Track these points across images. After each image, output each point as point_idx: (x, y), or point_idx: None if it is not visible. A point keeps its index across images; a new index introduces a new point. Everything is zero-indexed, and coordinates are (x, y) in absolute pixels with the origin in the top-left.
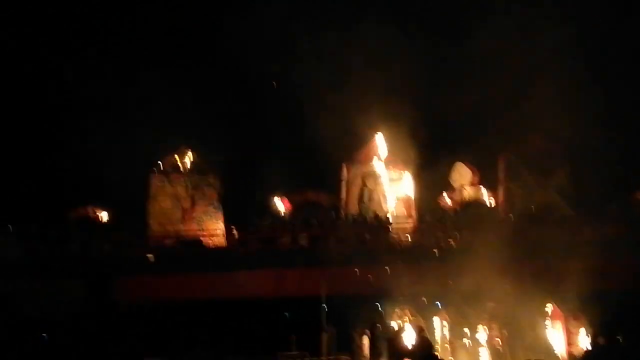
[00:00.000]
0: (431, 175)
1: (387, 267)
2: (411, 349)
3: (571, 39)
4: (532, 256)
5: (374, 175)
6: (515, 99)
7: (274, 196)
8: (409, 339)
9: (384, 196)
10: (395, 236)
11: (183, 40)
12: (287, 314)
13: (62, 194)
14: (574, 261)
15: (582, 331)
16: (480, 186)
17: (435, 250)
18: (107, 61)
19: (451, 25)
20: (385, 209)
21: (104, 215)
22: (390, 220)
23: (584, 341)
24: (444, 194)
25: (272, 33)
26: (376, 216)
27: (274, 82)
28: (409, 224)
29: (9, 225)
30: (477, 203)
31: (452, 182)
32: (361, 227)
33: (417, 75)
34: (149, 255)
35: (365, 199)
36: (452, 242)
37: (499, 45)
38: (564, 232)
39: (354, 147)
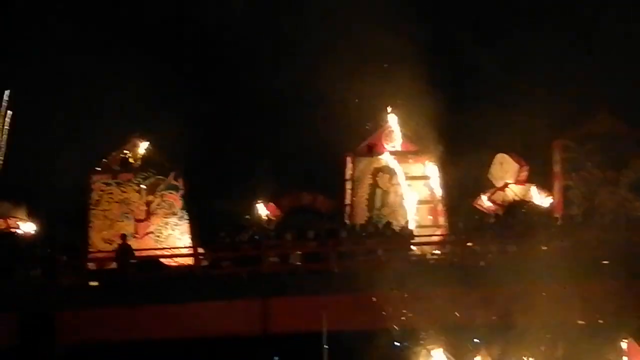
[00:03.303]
0: (464, 171)
1: (408, 293)
2: None
3: None
4: (601, 275)
5: (387, 172)
6: (571, 63)
7: (256, 201)
8: None
9: (402, 199)
10: (418, 251)
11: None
12: (276, 358)
13: None
14: None
15: None
16: (530, 184)
17: (472, 268)
18: (33, 28)
19: None
20: (403, 215)
21: (29, 229)
22: (412, 231)
23: None
24: (482, 195)
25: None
26: (391, 225)
27: None
28: (436, 235)
29: None
30: (526, 206)
31: (492, 179)
32: (372, 241)
33: (442, 36)
34: (93, 283)
35: (377, 202)
36: (493, 258)
37: None
38: None
39: (360, 135)
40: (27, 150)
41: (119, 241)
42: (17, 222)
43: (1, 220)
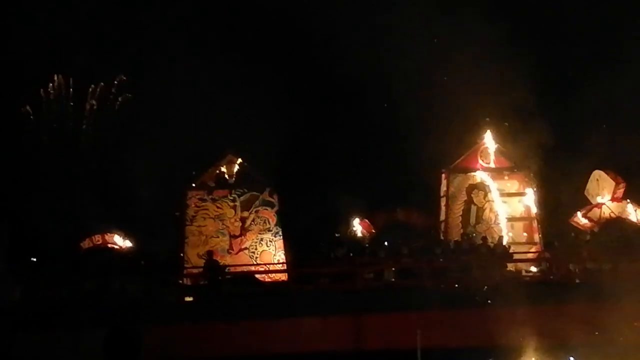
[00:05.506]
0: (560, 188)
1: (502, 310)
2: None
3: None
4: None
5: (482, 188)
6: None
7: (351, 218)
8: None
9: (497, 215)
10: (512, 268)
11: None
12: None
13: (72, 217)
14: None
15: None
16: (627, 200)
17: (568, 286)
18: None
19: None
20: (498, 232)
21: (126, 244)
22: (507, 247)
23: None
24: (578, 212)
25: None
26: (486, 241)
27: None
28: (532, 252)
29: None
30: (623, 222)
31: (588, 195)
32: (467, 257)
33: (536, 56)
34: (188, 298)
35: (472, 219)
36: (590, 275)
37: None
38: None
39: (455, 152)
40: (123, 168)
41: (215, 256)
42: (114, 238)
43: (98, 235)
